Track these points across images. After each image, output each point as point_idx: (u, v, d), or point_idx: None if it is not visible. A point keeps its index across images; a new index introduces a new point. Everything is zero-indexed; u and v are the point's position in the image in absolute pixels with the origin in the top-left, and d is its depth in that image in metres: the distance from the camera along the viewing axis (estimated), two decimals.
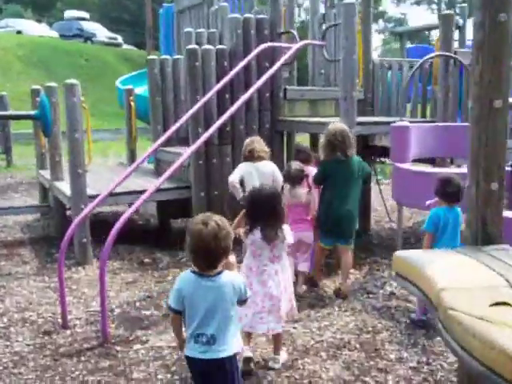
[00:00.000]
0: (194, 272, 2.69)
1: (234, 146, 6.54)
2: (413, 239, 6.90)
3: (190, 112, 5.63)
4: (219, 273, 2.67)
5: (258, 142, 5.32)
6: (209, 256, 2.62)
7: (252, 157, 5.25)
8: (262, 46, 6.04)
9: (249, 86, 6.52)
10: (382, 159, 7.28)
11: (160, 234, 7.29)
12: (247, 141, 5.38)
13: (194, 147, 4.79)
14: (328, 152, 4.95)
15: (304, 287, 5.22)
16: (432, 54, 5.53)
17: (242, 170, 5.26)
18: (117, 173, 7.70)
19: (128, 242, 6.35)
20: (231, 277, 2.71)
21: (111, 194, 5.24)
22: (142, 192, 6.12)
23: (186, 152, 4.78)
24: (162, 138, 5.26)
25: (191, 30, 7.31)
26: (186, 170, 6.48)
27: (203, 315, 2.64)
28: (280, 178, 5.24)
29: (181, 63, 7.40)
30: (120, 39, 34.22)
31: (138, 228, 7.70)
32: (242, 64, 5.93)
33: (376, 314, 4.68)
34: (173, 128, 5.40)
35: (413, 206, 4.75)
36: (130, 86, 8.39)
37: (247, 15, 6.59)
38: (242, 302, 2.79)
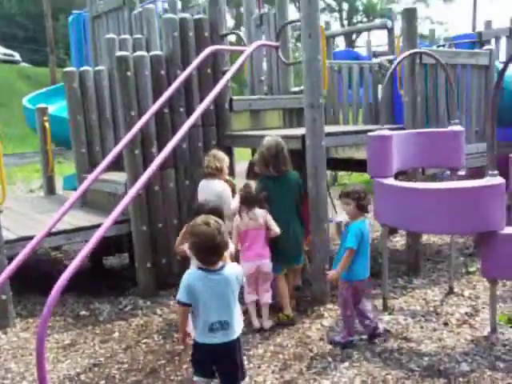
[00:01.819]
0: (200, 269, 2.99)
1: (178, 169, 5.58)
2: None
3: (132, 132, 4.59)
4: (223, 266, 3.01)
5: (211, 156, 4.93)
6: (215, 251, 2.95)
7: (205, 173, 4.96)
8: (209, 50, 5.08)
9: (189, 96, 5.62)
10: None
11: (93, 275, 6.18)
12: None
13: (146, 175, 3.76)
14: (262, 168, 4.69)
15: (271, 322, 4.56)
16: (408, 52, 4.83)
17: (200, 187, 4.99)
18: (35, 207, 6.54)
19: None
20: (233, 268, 3.09)
21: (30, 238, 4.20)
22: (73, 231, 5.12)
23: (139, 181, 3.73)
24: (103, 164, 4.19)
25: (113, 36, 6.29)
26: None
27: (215, 306, 2.95)
28: (228, 200, 4.80)
29: (104, 75, 6.36)
30: (18, 56, 31.88)
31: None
32: (186, 72, 4.96)
33: (379, 362, 3.90)
34: (115, 150, 4.34)
35: (404, 227, 4.05)
36: (42, 105, 7.21)
37: (183, 15, 5.65)
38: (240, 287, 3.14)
